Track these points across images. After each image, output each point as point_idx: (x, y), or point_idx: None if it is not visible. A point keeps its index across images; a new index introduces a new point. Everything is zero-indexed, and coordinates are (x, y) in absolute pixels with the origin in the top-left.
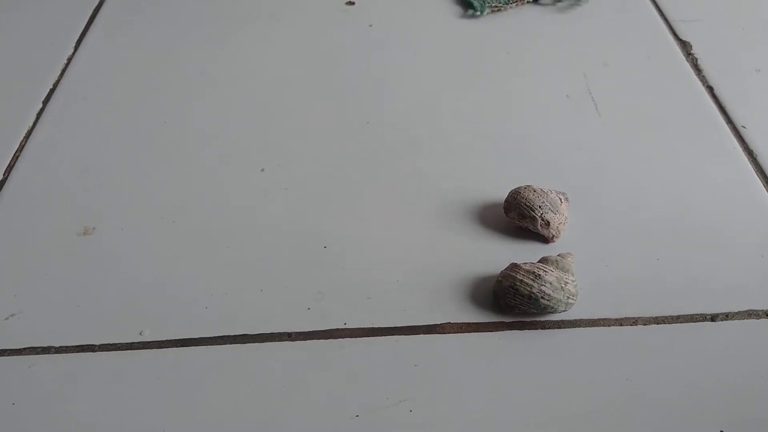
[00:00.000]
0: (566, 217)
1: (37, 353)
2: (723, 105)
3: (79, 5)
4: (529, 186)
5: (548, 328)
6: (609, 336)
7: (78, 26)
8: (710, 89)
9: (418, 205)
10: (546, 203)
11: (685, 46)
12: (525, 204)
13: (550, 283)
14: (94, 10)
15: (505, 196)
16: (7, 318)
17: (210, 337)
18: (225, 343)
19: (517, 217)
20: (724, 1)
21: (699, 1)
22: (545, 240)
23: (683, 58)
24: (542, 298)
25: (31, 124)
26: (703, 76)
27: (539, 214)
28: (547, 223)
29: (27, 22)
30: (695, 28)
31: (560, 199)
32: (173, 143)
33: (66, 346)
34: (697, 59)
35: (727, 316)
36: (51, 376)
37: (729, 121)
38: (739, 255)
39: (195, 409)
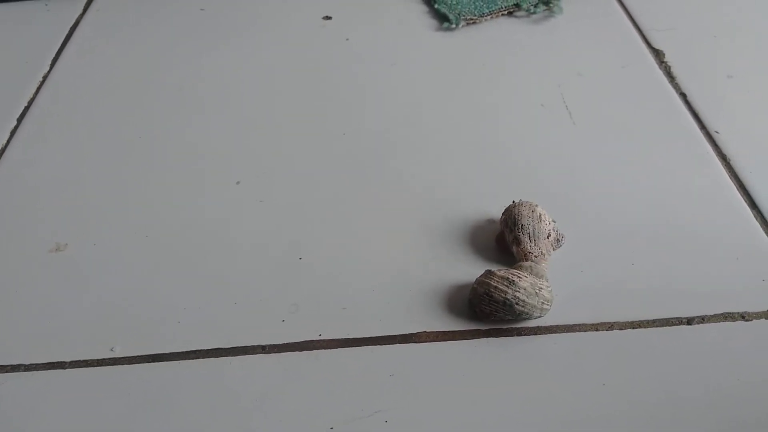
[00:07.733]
0: (543, 254)
1: (6, 371)
2: (696, 111)
3: (56, 23)
4: (534, 206)
5: (524, 335)
6: (585, 341)
7: (54, 44)
8: (683, 96)
9: (393, 216)
10: (531, 226)
11: (658, 54)
12: (515, 215)
13: (525, 289)
14: (71, 28)
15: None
16: None
17: (182, 352)
18: (198, 358)
19: (504, 221)
20: (696, 10)
21: (671, 11)
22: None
23: (656, 66)
24: (517, 304)
25: (4, 141)
26: (677, 84)
27: (515, 230)
28: (517, 243)
29: (2, 40)
30: (668, 37)
31: (549, 233)
32: (147, 158)
33: (36, 364)
34: (670, 67)
35: (703, 319)
36: (20, 395)
37: (702, 126)
38: (714, 258)
39: (168, 425)
